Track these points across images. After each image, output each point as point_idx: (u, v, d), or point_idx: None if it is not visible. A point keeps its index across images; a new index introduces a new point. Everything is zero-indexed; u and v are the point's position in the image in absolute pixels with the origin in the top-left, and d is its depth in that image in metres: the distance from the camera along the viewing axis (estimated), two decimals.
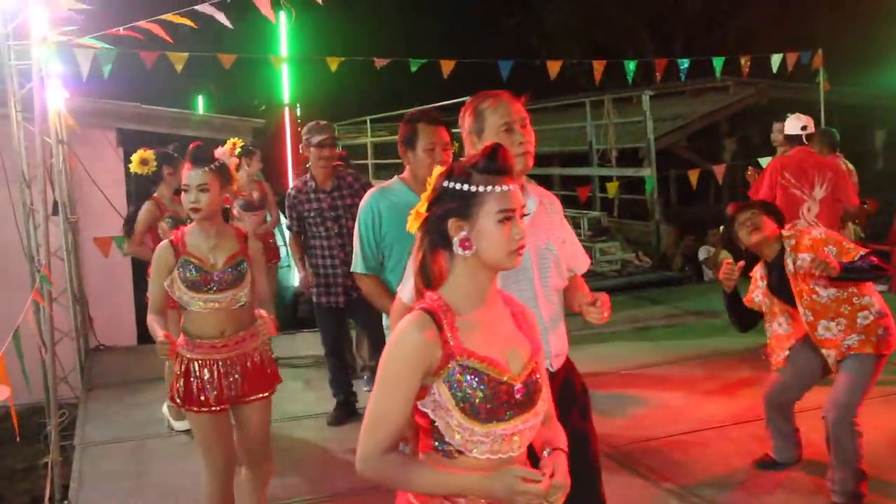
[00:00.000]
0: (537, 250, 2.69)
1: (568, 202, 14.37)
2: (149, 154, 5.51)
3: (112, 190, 7.97)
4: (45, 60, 5.35)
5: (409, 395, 1.80)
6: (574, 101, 14.04)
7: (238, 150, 4.02)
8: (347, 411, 5.47)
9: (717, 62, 8.12)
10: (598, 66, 7.98)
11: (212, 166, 3.32)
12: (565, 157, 14.86)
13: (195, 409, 3.37)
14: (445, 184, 1.86)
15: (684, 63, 8.07)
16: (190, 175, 3.28)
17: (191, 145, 3.40)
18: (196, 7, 5.46)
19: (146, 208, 5.44)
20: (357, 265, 3.55)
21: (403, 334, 1.81)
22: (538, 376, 1.91)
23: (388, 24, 21.20)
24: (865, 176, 11.46)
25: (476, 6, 23.07)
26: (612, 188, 10.93)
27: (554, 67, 7.88)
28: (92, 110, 7.93)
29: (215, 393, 3.35)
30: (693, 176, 8.17)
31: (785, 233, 4.02)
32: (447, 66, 7.58)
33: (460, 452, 1.81)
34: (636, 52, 19.74)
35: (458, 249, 1.84)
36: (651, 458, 4.59)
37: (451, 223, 1.85)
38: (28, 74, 5.57)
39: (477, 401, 1.79)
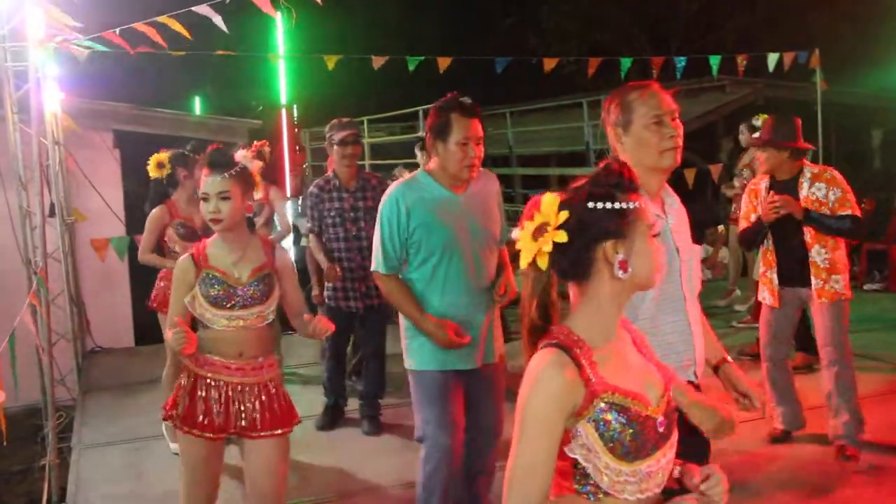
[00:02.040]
0: (683, 251, 2.57)
1: None
2: (164, 157, 5.19)
3: (109, 192, 7.96)
4: (41, 62, 5.34)
5: (556, 441, 1.66)
6: (571, 101, 14.03)
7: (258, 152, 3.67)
8: (337, 415, 5.42)
9: (714, 61, 8.11)
10: (594, 63, 7.98)
11: (233, 172, 2.99)
12: (562, 157, 14.85)
13: (193, 431, 3.03)
14: (591, 205, 1.70)
15: (681, 61, 8.07)
16: (208, 182, 2.97)
17: (208, 148, 3.10)
18: (193, 8, 5.45)
19: (154, 214, 5.11)
20: (377, 264, 3.36)
21: (542, 377, 1.65)
22: (674, 406, 1.81)
23: (384, 26, 21.19)
24: (862, 175, 11.50)
25: (473, 8, 23.06)
26: None
27: (549, 64, 7.87)
28: (88, 112, 7.92)
29: (220, 419, 3.02)
30: (689, 175, 8.16)
31: (808, 163, 4.47)
32: (444, 64, 7.57)
33: (607, 494, 1.68)
34: (633, 53, 19.75)
35: (619, 273, 1.71)
36: None
37: (609, 246, 1.71)
38: (24, 76, 5.57)
39: (627, 439, 1.66)
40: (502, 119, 14.12)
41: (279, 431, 3.09)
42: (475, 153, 3.28)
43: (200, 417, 3.02)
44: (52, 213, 6.62)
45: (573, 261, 1.72)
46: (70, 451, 5.41)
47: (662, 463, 1.73)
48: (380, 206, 3.36)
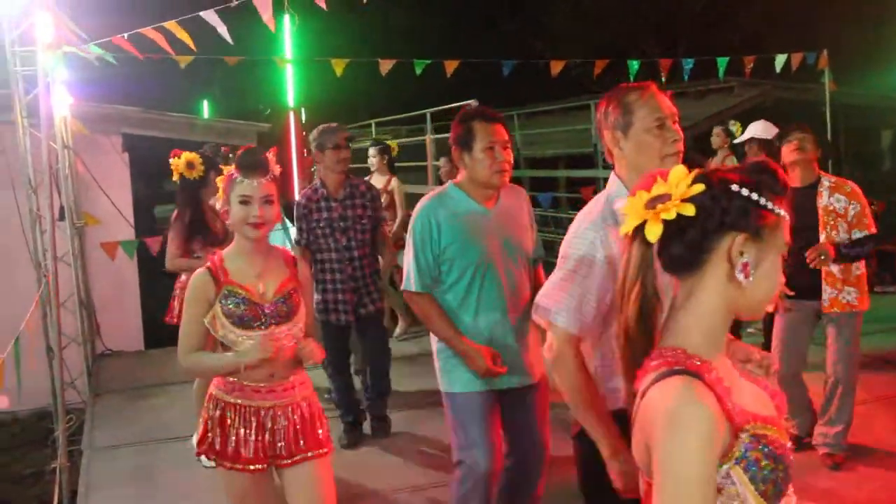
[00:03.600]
0: None
1: (572, 203, 14.38)
2: (194, 157, 4.94)
3: (118, 195, 7.99)
4: (50, 66, 5.36)
5: (714, 495, 1.33)
6: (578, 103, 14.03)
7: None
8: (359, 432, 5.20)
9: (721, 62, 8.10)
10: (600, 64, 7.97)
11: (275, 174, 2.85)
12: (570, 160, 14.85)
13: (227, 464, 2.83)
14: (735, 188, 1.44)
15: (688, 63, 8.06)
16: (251, 185, 2.77)
17: (241, 150, 2.92)
18: (200, 13, 5.47)
19: (175, 224, 4.92)
20: (411, 283, 3.25)
21: (684, 417, 1.32)
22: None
23: (391, 31, 21.22)
24: (872, 177, 11.45)
25: (479, 10, 23.06)
26: None
27: (556, 67, 7.88)
28: (97, 115, 7.95)
29: (258, 448, 2.81)
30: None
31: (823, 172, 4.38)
32: (451, 67, 7.58)
33: None
34: (640, 55, 19.74)
35: (740, 275, 1.43)
36: None
37: (739, 240, 1.44)
38: (34, 80, 5.60)
39: (780, 477, 1.38)
40: (510, 122, 14.11)
41: (319, 452, 2.89)
42: (503, 157, 3.18)
43: (236, 449, 2.81)
44: (61, 217, 6.65)
45: (689, 245, 1.44)
46: (80, 454, 5.43)
47: (793, 501, 1.47)
48: (411, 222, 3.27)
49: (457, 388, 3.26)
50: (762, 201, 1.43)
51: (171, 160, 4.93)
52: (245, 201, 2.77)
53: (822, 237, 4.23)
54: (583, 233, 2.33)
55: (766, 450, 1.36)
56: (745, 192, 1.43)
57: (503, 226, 3.27)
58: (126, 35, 5.73)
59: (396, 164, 7.66)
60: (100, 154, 7.98)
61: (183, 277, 4.79)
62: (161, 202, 8.98)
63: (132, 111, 8.60)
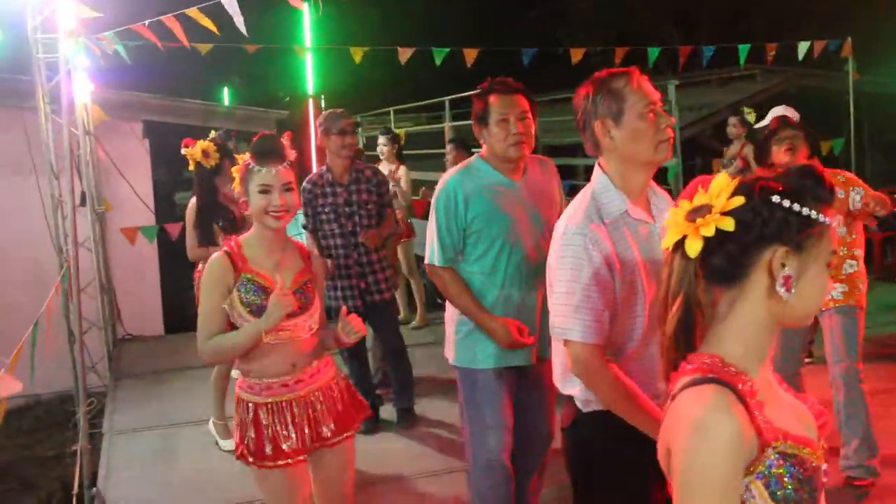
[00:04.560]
0: None
1: None
2: (208, 145, 4.86)
3: (138, 181, 8.07)
4: (71, 54, 5.41)
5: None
6: None
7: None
8: (376, 418, 5.15)
9: (743, 49, 8.03)
10: (621, 52, 7.93)
11: (292, 160, 2.80)
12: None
13: (269, 464, 2.77)
14: (775, 199, 1.40)
15: (709, 51, 8.00)
16: (269, 174, 2.71)
17: (256, 136, 2.84)
18: (222, 0, 5.47)
19: (189, 208, 4.90)
20: (434, 257, 3.18)
21: (710, 424, 1.31)
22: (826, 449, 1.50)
23: (411, 18, 21.15)
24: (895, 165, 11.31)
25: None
26: None
27: (576, 55, 7.84)
28: (118, 102, 8.01)
29: (290, 443, 2.77)
30: (717, 164, 8.09)
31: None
32: (470, 56, 7.56)
33: None
34: (661, 43, 19.59)
35: (780, 290, 1.40)
36: None
37: (779, 254, 1.40)
38: (56, 67, 5.65)
39: (804, 499, 1.36)
40: (534, 99, 14.06)
41: (346, 435, 2.89)
42: (517, 129, 3.07)
43: (275, 448, 2.77)
44: (82, 203, 6.72)
45: (730, 258, 1.42)
46: (101, 437, 5.50)
47: None
48: (434, 195, 3.19)
49: (472, 363, 3.20)
50: (804, 211, 1.39)
51: (183, 150, 4.89)
52: (265, 190, 2.72)
53: None
54: (570, 238, 2.23)
55: (792, 469, 1.34)
56: (786, 203, 1.40)
57: (531, 198, 3.18)
58: (147, 23, 5.76)
59: (417, 152, 7.68)
60: (120, 140, 8.05)
61: (200, 266, 4.75)
62: (181, 189, 9.08)
63: (152, 98, 8.67)
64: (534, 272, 3.12)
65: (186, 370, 6.54)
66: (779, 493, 1.33)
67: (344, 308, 2.88)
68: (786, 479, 1.33)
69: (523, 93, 3.15)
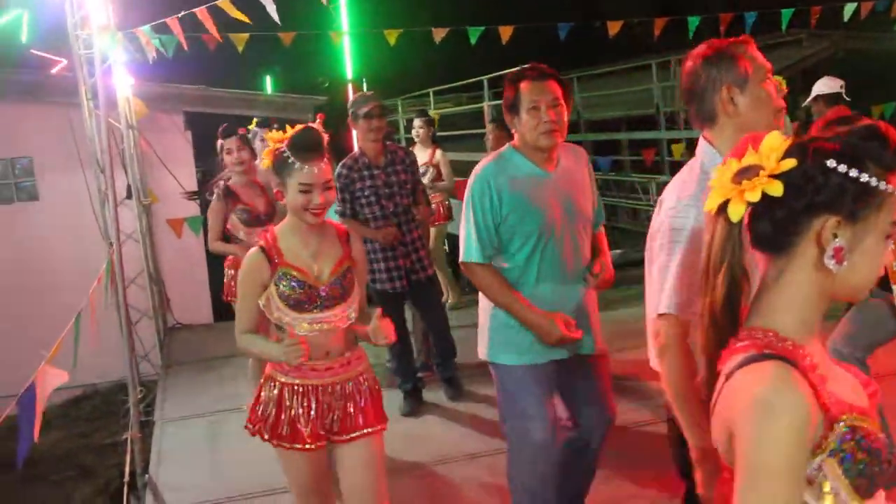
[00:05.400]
0: None
1: (635, 166, 14.13)
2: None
3: (181, 172, 8.19)
4: (107, 48, 5.49)
5: (800, 487, 1.25)
6: (640, 63, 13.73)
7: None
8: (418, 399, 5.22)
9: (785, 14, 7.80)
10: (659, 23, 7.77)
11: (328, 155, 2.73)
12: (632, 121, 14.57)
13: (286, 445, 2.79)
14: (830, 163, 1.28)
15: (751, 17, 7.79)
16: (311, 173, 2.66)
17: (294, 131, 2.75)
18: None
19: (211, 207, 4.90)
20: (471, 254, 3.05)
21: (773, 402, 1.23)
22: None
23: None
24: None
25: None
26: (677, 150, 10.70)
27: (614, 27, 7.71)
28: (159, 95, 8.13)
29: (310, 428, 2.77)
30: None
31: None
32: (506, 33, 7.49)
33: None
34: (704, 10, 19.13)
35: (830, 262, 1.31)
36: None
37: (830, 224, 1.30)
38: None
39: (875, 472, 1.29)
40: (569, 84, 13.93)
41: (373, 429, 2.84)
42: (549, 117, 2.96)
43: (293, 429, 2.77)
44: (128, 195, 6.85)
45: (777, 224, 1.33)
46: (153, 425, 5.63)
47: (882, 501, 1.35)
48: (468, 188, 3.07)
49: (509, 360, 3.11)
50: (863, 178, 1.28)
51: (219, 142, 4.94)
52: (306, 190, 2.67)
53: None
54: (684, 208, 2.15)
55: (862, 442, 1.27)
56: (842, 168, 1.28)
57: (565, 189, 3.08)
58: (181, 15, 5.82)
59: (458, 132, 7.64)
60: (162, 133, 8.18)
61: (231, 250, 4.81)
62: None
63: (191, 89, 8.77)
64: (569, 266, 3.06)
65: (235, 358, 6.63)
66: (853, 468, 1.26)
67: (379, 310, 2.83)
68: (858, 454, 1.27)
69: (556, 78, 3.04)
